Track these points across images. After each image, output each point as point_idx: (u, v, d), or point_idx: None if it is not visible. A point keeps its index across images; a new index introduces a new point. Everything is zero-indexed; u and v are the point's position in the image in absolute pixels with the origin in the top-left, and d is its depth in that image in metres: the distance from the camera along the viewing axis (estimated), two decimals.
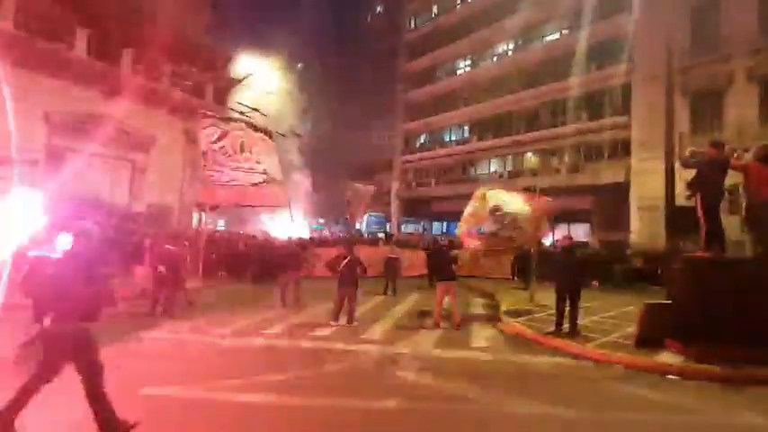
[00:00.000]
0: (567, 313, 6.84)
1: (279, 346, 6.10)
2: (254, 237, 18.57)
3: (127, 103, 15.36)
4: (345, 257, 7.88)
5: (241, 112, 19.68)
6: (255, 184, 9.32)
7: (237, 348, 5.81)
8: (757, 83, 16.18)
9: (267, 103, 23.37)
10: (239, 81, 19.48)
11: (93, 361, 3.02)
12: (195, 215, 18.50)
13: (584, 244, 19.04)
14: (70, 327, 2.98)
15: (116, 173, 15.22)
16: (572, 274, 6.96)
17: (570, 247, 7.35)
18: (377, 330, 7.21)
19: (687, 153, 6.52)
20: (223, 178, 9.05)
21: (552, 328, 6.85)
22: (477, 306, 10.24)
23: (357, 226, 34.15)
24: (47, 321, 3.08)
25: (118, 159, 15.29)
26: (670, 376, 5.20)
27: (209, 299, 9.40)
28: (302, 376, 4.77)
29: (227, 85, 19.23)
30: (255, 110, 20.28)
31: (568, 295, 6.80)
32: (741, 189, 6.17)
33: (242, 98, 20.64)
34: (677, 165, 9.62)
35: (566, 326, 6.81)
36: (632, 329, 6.50)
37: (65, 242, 3.41)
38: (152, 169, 16.12)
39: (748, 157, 6.30)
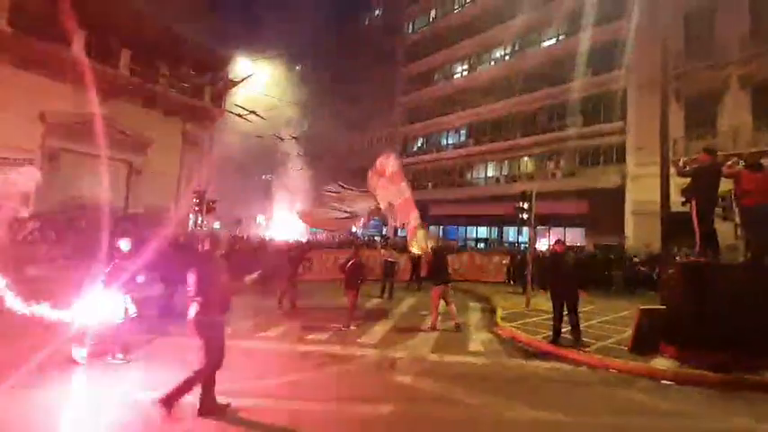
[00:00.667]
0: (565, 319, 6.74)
1: (274, 349, 6.09)
2: (248, 238, 18.55)
3: (124, 104, 15.34)
4: (351, 260, 8.12)
5: (239, 114, 19.68)
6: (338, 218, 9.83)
7: (232, 352, 5.78)
8: (750, 89, 16.35)
9: (265, 106, 23.37)
10: (237, 83, 19.46)
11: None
12: (192, 216, 18.48)
13: (581, 248, 19.15)
14: (223, 317, 3.90)
15: (113, 174, 15.15)
16: (566, 280, 6.80)
17: (563, 253, 7.11)
18: (374, 334, 7.21)
19: (681, 163, 6.58)
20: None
21: (550, 334, 6.82)
22: (474, 310, 10.25)
23: (354, 229, 34.19)
24: (191, 310, 3.77)
25: (114, 160, 15.23)
26: (664, 381, 5.24)
27: None
28: (298, 380, 4.77)
29: (225, 87, 19.23)
30: (253, 112, 20.27)
31: (565, 301, 6.68)
32: (732, 196, 6.23)
33: (240, 100, 20.64)
34: (672, 170, 9.73)
35: (565, 330, 6.81)
36: (628, 334, 6.55)
37: (206, 247, 4.16)
38: (149, 170, 16.07)
39: (742, 165, 6.38)
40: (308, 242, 17.87)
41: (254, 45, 26.59)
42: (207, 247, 4.13)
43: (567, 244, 22.69)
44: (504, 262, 16.81)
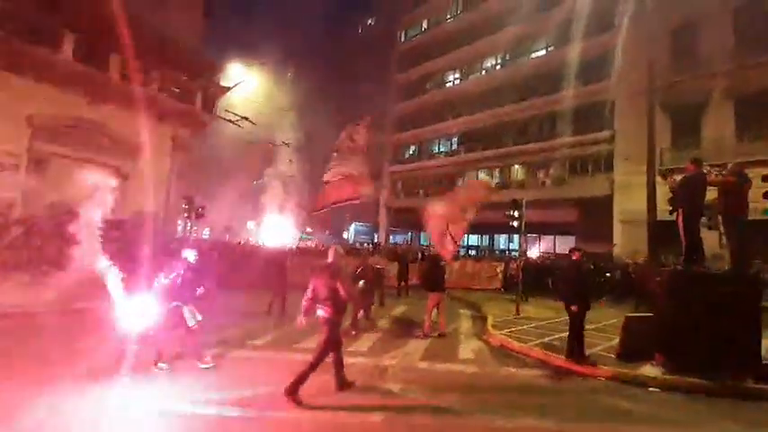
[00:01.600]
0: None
1: (264, 357, 6.02)
2: (239, 244, 18.39)
3: (113, 108, 15.17)
4: (360, 267, 8.49)
5: (230, 120, 19.59)
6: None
7: (220, 360, 5.70)
8: (733, 101, 16.80)
9: (257, 112, 23.32)
10: (229, 88, 19.39)
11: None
12: (181, 222, 18.26)
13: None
14: (341, 316, 4.80)
15: (100, 178, 14.94)
16: (584, 291, 6.23)
17: (581, 261, 6.45)
18: (364, 341, 7.17)
19: (671, 183, 6.64)
20: None
21: (543, 341, 6.79)
22: (465, 318, 10.26)
23: (344, 235, 34.12)
24: (321, 312, 4.64)
25: (102, 165, 15.02)
26: (652, 388, 5.29)
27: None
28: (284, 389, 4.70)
29: (216, 93, 19.15)
30: (245, 118, 20.20)
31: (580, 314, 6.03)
32: (717, 205, 6.36)
33: (232, 106, 20.57)
34: (659, 179, 9.91)
35: (555, 337, 6.84)
36: (616, 341, 6.60)
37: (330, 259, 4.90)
38: (137, 175, 15.86)
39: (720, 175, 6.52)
40: (297, 248, 17.76)
41: (247, 51, 26.62)
42: (331, 259, 4.94)
43: (557, 252, 22.76)
44: (497, 269, 16.88)
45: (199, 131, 19.35)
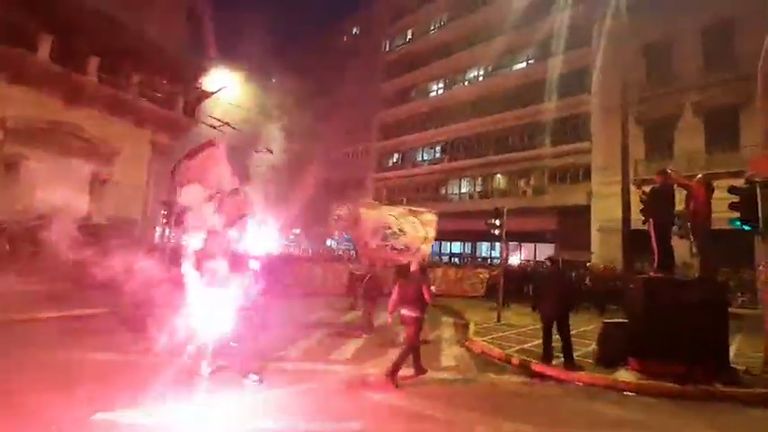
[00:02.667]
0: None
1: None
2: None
3: (91, 111, 14.83)
4: (369, 274, 9.08)
5: (212, 126, 19.37)
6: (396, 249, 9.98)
7: (201, 368, 5.57)
8: (703, 116, 17.57)
9: (239, 117, 23.12)
10: (211, 94, 19.21)
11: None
12: (159, 228, 17.87)
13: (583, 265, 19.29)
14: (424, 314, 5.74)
15: (76, 183, 14.52)
16: (559, 298, 6.42)
17: (558, 269, 6.90)
18: (347, 349, 7.13)
19: (641, 195, 6.93)
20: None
21: (523, 347, 6.94)
22: (447, 325, 10.31)
23: (328, 242, 33.90)
24: (405, 311, 5.62)
25: (78, 169, 14.62)
26: (627, 393, 5.42)
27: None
28: (265, 398, 4.64)
29: (198, 98, 18.94)
30: (227, 123, 20.01)
31: (555, 322, 6.32)
32: (686, 212, 6.62)
33: (214, 111, 20.35)
34: (633, 189, 10.24)
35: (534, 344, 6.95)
36: (593, 347, 6.75)
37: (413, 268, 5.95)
38: (115, 180, 15.50)
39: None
40: (281, 255, 17.55)
41: (231, 57, 26.43)
42: (413, 268, 6.03)
43: (537, 259, 23.14)
44: (481, 276, 17.06)
45: (180, 136, 19.06)
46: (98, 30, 14.38)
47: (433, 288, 6.11)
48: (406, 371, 5.55)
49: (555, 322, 6.30)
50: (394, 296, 5.77)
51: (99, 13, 14.10)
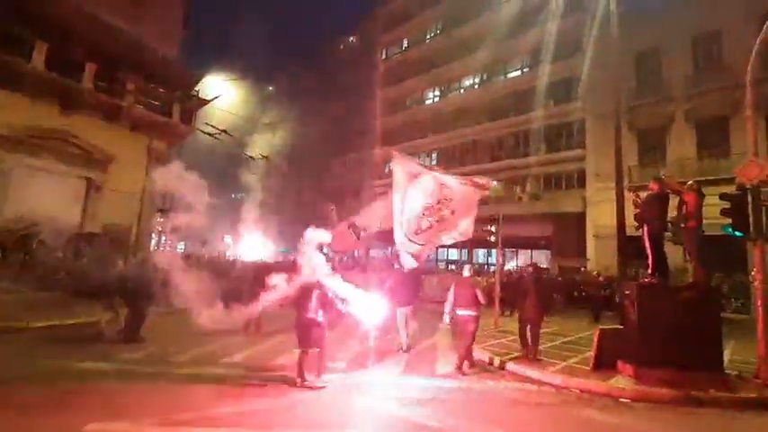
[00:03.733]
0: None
1: (237, 375, 5.87)
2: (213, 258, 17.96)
3: (86, 118, 14.78)
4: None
5: (209, 133, 19.37)
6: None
7: (193, 378, 5.54)
8: (694, 123, 17.80)
9: (236, 125, 23.14)
10: (208, 101, 19.21)
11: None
12: (155, 236, 17.76)
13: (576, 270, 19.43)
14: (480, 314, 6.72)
15: (69, 191, 14.42)
16: (539, 300, 7.28)
17: (538, 275, 7.95)
18: (342, 357, 7.09)
19: (633, 199, 7.04)
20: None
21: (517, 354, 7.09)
22: (444, 332, 10.27)
23: (324, 250, 33.82)
24: (464, 311, 6.56)
25: (72, 176, 14.53)
26: (623, 399, 5.43)
27: (167, 324, 8.94)
28: (260, 408, 4.60)
29: (195, 105, 18.94)
30: (224, 131, 20.00)
31: (529, 321, 7.18)
32: (679, 217, 6.68)
33: (211, 118, 20.35)
34: (627, 196, 10.34)
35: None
36: (590, 354, 6.76)
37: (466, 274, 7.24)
38: (110, 188, 15.41)
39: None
40: (275, 263, 17.46)
41: (228, 64, 26.53)
42: (467, 274, 7.16)
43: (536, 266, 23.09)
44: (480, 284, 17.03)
45: (176, 143, 19.03)
46: (94, 37, 14.39)
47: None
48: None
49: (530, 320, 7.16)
50: (451, 299, 6.72)
51: (95, 20, 14.12)
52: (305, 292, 5.68)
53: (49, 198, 13.14)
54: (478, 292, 6.54)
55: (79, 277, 12.35)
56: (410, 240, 7.53)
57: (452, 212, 7.48)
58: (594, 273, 16.54)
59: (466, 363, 6.52)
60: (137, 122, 16.26)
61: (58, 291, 11.83)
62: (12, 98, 13.02)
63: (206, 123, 18.24)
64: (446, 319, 6.80)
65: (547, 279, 15.46)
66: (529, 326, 7.16)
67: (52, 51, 13.54)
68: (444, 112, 30.61)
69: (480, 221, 11.97)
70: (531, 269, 8.06)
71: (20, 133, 13.08)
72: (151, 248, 16.40)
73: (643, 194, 6.87)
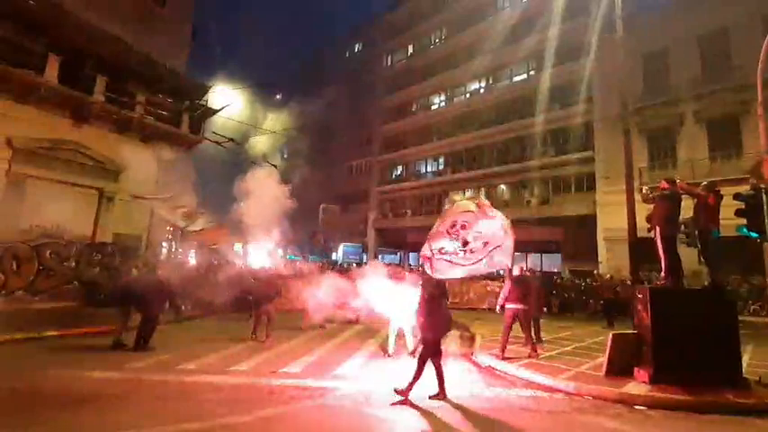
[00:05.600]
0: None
1: (245, 383, 5.85)
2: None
3: (98, 129, 15.06)
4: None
5: (217, 142, 19.60)
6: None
7: (200, 386, 5.53)
8: (704, 124, 17.53)
9: (243, 133, 23.41)
10: (216, 111, 19.46)
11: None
12: (165, 245, 17.94)
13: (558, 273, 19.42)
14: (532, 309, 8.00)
15: (82, 201, 14.66)
16: (538, 300, 8.55)
17: (537, 278, 9.36)
18: (349, 365, 7.04)
19: (644, 190, 6.93)
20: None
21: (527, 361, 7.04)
22: (452, 338, 10.17)
23: (333, 256, 33.88)
24: (514, 305, 7.54)
25: (84, 187, 14.78)
26: (637, 406, 5.29)
27: (174, 331, 8.99)
28: (268, 417, 4.56)
29: (203, 115, 19.19)
30: (231, 140, 20.23)
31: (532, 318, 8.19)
32: (691, 219, 6.55)
33: (218, 127, 20.60)
34: (637, 197, 10.18)
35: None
36: (603, 359, 6.62)
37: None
38: (122, 198, 15.64)
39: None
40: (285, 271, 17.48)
41: (235, 74, 26.87)
42: (517, 272, 7.82)
43: (544, 270, 23.31)
44: (488, 288, 16.87)
45: (185, 153, 19.26)
46: (105, 50, 14.70)
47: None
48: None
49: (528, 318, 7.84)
50: (504, 294, 7.63)
51: (106, 34, 14.43)
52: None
53: (61, 209, 13.34)
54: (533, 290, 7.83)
55: (91, 287, 12.55)
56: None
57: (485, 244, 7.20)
58: (607, 276, 16.30)
59: (497, 349, 7.41)
60: (147, 133, 16.51)
61: (70, 300, 12.00)
62: (25, 111, 13.31)
63: (213, 132, 18.45)
64: (498, 310, 7.98)
65: (547, 280, 16.53)
66: (531, 321, 8.08)
67: (64, 65, 13.84)
68: (451, 117, 30.62)
69: None
70: (529, 273, 9.26)
71: (33, 145, 13.35)
72: (161, 257, 16.55)
73: (646, 189, 6.77)
